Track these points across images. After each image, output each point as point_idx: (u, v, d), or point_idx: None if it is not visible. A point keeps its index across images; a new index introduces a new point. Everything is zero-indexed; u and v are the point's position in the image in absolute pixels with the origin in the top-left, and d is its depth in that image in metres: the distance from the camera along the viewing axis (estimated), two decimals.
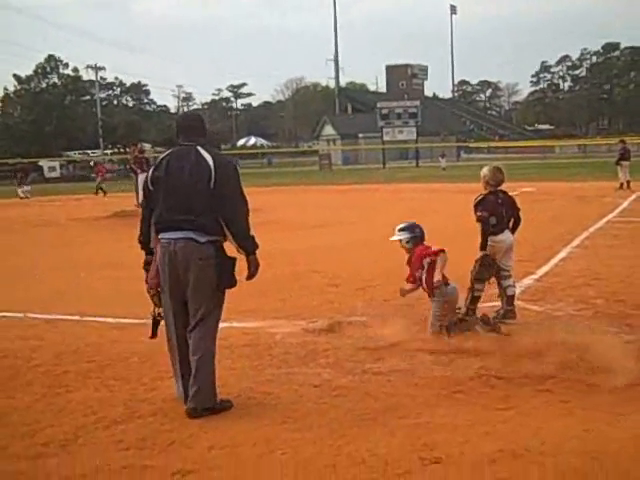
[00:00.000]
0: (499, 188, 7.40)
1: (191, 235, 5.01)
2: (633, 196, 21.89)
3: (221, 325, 7.31)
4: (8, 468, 4.29)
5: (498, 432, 4.55)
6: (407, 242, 7.09)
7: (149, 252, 5.32)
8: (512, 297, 7.28)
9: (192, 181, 5.04)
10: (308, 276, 10.22)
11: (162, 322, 5.32)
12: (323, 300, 8.53)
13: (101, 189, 37.77)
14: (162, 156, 5.33)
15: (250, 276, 5.27)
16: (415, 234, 7.14)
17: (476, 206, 7.32)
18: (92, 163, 42.39)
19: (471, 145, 79.19)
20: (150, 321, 5.39)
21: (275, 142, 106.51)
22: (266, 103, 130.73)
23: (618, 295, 8.25)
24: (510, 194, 7.53)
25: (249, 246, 5.18)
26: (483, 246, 7.32)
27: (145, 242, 5.33)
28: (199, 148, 5.16)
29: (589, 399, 5.10)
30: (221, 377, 5.79)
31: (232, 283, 5.15)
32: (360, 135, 74.08)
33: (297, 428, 4.76)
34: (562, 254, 11.30)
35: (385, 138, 64.57)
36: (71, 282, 10.53)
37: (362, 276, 9.92)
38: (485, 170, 7.47)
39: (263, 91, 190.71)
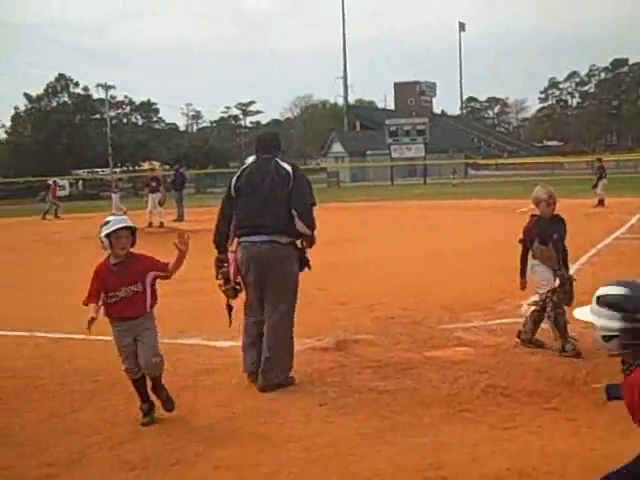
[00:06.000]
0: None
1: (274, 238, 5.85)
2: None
3: (227, 344, 7.42)
4: None
5: (505, 451, 4.52)
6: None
7: (222, 251, 6.11)
8: None
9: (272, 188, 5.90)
10: (314, 294, 10.16)
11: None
12: (329, 318, 8.50)
13: (55, 212, 34.08)
14: (243, 167, 6.25)
15: (309, 245, 6.08)
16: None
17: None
18: (52, 182, 39.51)
19: (479, 162, 79.15)
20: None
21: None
22: (275, 121, 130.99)
23: None
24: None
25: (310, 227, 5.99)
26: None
27: (219, 242, 6.13)
28: (280, 160, 6.05)
29: (595, 417, 5.06)
30: (227, 396, 5.82)
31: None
32: (368, 152, 74.14)
33: (303, 447, 4.73)
34: (570, 271, 11.20)
35: (393, 155, 64.51)
36: (77, 300, 10.50)
37: (369, 294, 9.89)
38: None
39: (272, 109, 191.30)
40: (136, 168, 73.26)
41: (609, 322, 2.88)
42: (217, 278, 6.16)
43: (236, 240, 6.08)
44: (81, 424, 5.31)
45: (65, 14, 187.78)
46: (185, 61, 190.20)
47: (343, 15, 79.56)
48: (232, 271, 6.05)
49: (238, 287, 6.10)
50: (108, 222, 5.45)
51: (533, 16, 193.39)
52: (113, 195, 34.06)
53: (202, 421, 5.31)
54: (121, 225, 5.41)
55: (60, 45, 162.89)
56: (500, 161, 78.68)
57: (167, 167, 47.76)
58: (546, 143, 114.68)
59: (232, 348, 7.28)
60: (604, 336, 2.92)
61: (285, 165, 6.01)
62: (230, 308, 6.18)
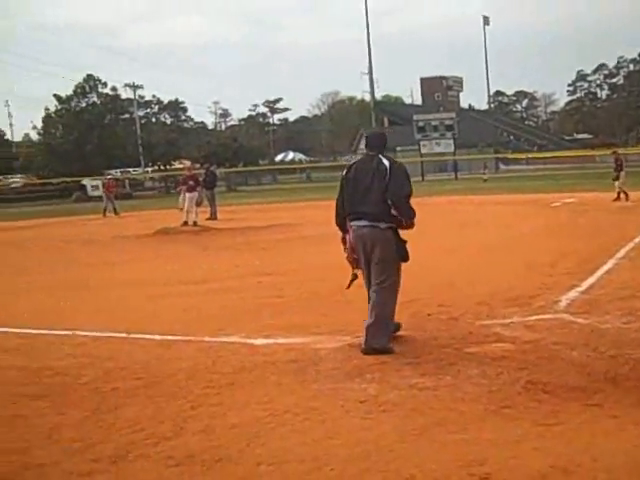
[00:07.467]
0: None
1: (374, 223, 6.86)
2: None
3: (265, 341, 7.47)
4: None
5: (548, 448, 4.50)
6: None
7: (344, 231, 7.20)
8: None
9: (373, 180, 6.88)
10: (351, 290, 10.17)
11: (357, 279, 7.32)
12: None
13: (113, 209, 34.51)
14: (352, 162, 7.47)
15: (405, 227, 7.01)
16: None
17: None
18: (106, 179, 39.83)
19: (510, 156, 78.57)
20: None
21: (313, 156, 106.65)
22: (303, 118, 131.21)
23: None
24: None
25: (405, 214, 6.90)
26: None
27: (340, 224, 7.26)
28: (381, 156, 7.02)
29: (639, 413, 5.03)
30: (267, 393, 5.85)
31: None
32: (397, 148, 73.86)
33: (344, 444, 4.75)
34: (607, 266, 11.13)
35: (422, 151, 64.35)
36: (116, 299, 10.66)
37: (405, 291, 9.77)
38: None
39: (299, 106, 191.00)
40: (167, 167, 73.67)
41: None
42: (345, 252, 7.28)
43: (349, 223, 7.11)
44: (125, 421, 5.36)
45: (91, 15, 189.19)
46: (211, 60, 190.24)
47: (366, 9, 79.24)
48: (347, 247, 7.17)
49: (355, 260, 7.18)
50: None
51: (560, 8, 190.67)
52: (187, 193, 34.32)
53: (243, 418, 5.33)
54: None
55: (88, 46, 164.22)
56: (531, 155, 78.00)
57: (197, 166, 47.94)
58: (576, 136, 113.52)
59: (271, 345, 7.34)
60: None
61: (385, 161, 6.95)
62: (354, 276, 7.34)
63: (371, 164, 7.02)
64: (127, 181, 68.86)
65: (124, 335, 8.07)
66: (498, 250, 13.87)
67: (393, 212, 6.86)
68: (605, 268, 10.91)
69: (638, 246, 13.32)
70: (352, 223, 7.04)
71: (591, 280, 9.96)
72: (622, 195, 25.03)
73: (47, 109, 75.92)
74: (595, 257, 11.96)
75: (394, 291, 7.09)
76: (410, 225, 6.99)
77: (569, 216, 20.77)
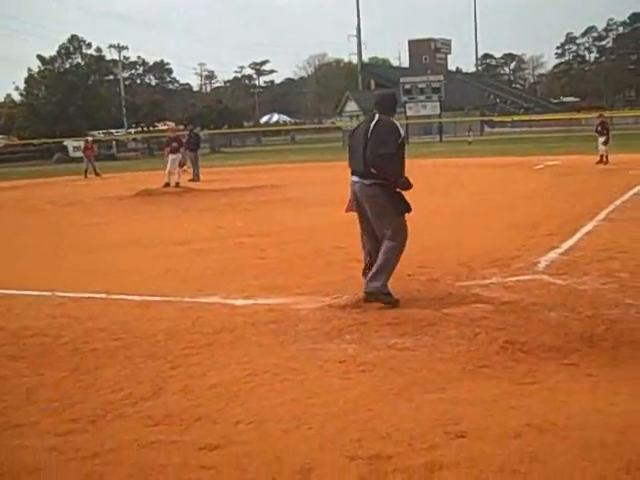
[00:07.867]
0: None
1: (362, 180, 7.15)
2: None
3: (246, 302, 7.48)
4: (38, 444, 4.34)
5: (524, 406, 4.54)
6: None
7: None
8: None
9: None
10: (331, 252, 10.21)
11: None
12: (347, 276, 8.50)
13: (94, 170, 34.36)
14: (358, 123, 7.78)
15: (401, 188, 7.26)
16: None
17: None
18: (89, 139, 38.97)
19: (495, 119, 78.41)
20: None
21: (298, 119, 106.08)
22: (289, 80, 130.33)
23: None
24: None
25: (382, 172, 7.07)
26: None
27: None
28: (377, 115, 7.15)
29: (615, 372, 5.08)
30: (247, 353, 5.86)
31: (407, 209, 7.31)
32: None
33: (322, 403, 4.77)
34: (587, 228, 11.20)
35: (408, 113, 64.05)
36: (97, 261, 10.63)
37: None
38: None
39: (285, 68, 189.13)
40: (150, 129, 73.16)
41: None
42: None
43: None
44: (104, 381, 5.36)
45: None
46: (197, 21, 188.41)
47: None
48: (349, 199, 7.52)
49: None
50: None
51: None
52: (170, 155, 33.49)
53: (222, 378, 5.35)
54: None
55: (72, 6, 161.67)
56: (516, 118, 77.73)
57: (181, 127, 47.62)
58: (563, 99, 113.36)
59: (251, 306, 7.34)
60: None
61: (375, 119, 7.12)
62: None
63: (366, 123, 7.27)
64: (114, 142, 68.24)
65: (104, 296, 8.06)
66: (480, 212, 13.91)
67: (372, 170, 7.01)
68: (585, 230, 10.98)
69: (618, 208, 13.39)
70: (351, 177, 7.40)
71: (571, 242, 10.02)
72: (604, 158, 25.17)
73: (30, 70, 74.95)
74: (576, 219, 12.02)
75: (394, 241, 7.23)
76: (399, 182, 7.16)
77: (552, 179, 20.81)
